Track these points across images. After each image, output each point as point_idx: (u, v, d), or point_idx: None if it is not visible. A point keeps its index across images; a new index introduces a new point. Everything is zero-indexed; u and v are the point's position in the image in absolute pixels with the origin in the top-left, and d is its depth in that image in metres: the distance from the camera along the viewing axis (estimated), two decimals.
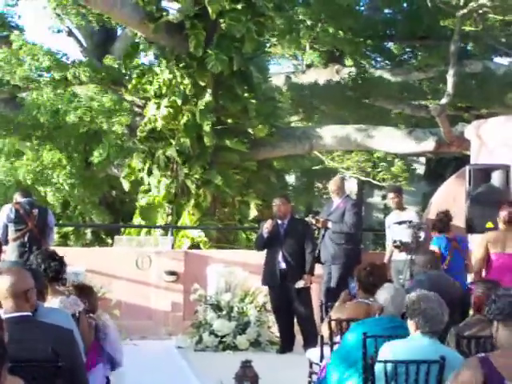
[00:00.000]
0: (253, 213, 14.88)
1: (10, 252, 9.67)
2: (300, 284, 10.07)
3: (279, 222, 10.28)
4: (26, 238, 9.66)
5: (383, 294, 5.84)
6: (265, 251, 10.44)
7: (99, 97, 16.16)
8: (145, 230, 14.52)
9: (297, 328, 10.30)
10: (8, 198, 14.96)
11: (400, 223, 10.66)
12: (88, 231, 18.35)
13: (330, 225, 10.65)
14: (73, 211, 18.18)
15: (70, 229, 18.07)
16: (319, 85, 17.61)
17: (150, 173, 14.74)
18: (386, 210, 24.01)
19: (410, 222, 10.59)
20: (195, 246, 13.65)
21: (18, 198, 10.09)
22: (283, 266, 10.14)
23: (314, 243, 10.30)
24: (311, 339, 9.50)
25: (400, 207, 11.10)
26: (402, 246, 10.57)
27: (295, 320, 10.31)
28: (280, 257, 10.16)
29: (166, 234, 13.29)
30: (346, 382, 5.65)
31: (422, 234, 10.57)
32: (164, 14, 14.43)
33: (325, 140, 15.43)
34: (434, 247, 9.79)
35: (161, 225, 14.50)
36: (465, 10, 13.36)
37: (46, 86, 15.96)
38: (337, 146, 15.94)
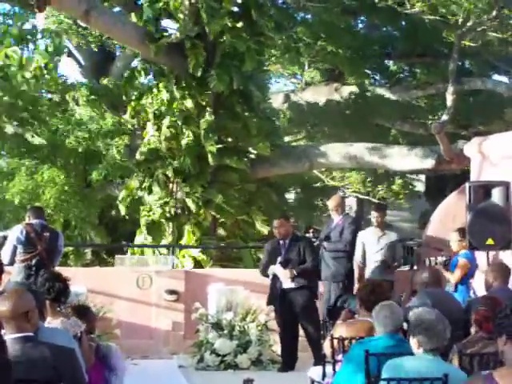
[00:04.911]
0: (261, 229, 14.72)
1: (16, 273, 9.40)
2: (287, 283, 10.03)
3: (281, 242, 10.30)
4: (33, 261, 9.37)
5: (379, 316, 5.82)
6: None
7: (98, 118, 16.11)
8: (149, 248, 14.46)
9: (300, 347, 10.25)
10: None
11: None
12: (88, 251, 18.28)
13: (325, 244, 10.71)
14: (73, 231, 18.11)
15: (70, 249, 17.98)
16: (318, 104, 17.62)
17: (150, 191, 14.68)
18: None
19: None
20: (199, 265, 13.60)
21: (29, 218, 9.74)
22: (284, 285, 10.11)
23: (315, 257, 10.24)
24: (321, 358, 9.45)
25: (380, 227, 11.04)
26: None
27: (301, 338, 10.26)
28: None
29: (168, 253, 13.26)
30: None
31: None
32: (164, 34, 14.41)
33: (325, 158, 15.40)
34: (462, 259, 9.75)
35: (162, 244, 14.44)
36: (463, 29, 13.42)
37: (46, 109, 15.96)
38: (337, 164, 15.93)
